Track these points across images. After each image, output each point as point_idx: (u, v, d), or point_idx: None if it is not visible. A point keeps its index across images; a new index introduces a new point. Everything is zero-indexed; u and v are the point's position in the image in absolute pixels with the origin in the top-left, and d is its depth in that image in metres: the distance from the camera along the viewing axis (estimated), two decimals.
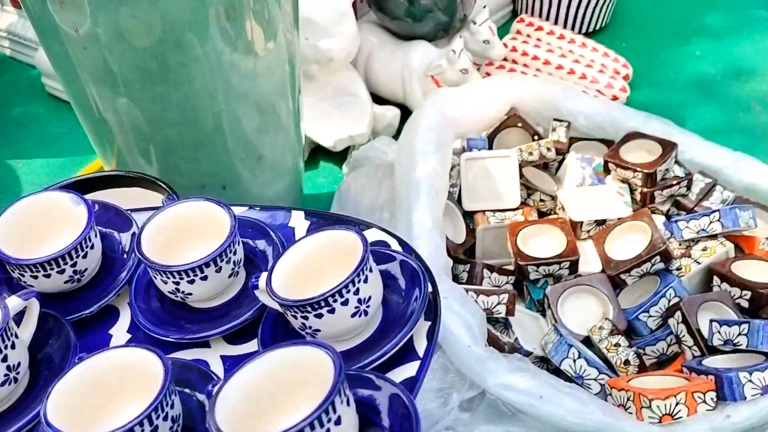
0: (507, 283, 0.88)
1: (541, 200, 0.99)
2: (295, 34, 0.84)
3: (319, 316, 0.44)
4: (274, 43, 0.78)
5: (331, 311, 0.44)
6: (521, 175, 0.99)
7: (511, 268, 0.89)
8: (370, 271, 0.46)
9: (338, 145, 1.13)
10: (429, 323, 0.48)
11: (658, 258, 0.82)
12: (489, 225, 0.93)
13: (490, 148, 1.05)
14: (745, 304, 0.81)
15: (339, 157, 1.18)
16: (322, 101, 1.16)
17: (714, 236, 0.88)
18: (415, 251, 0.53)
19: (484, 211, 0.94)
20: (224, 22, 0.70)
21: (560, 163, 1.06)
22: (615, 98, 1.26)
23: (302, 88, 1.15)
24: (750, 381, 0.67)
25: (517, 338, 0.79)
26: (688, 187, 1.00)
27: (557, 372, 0.75)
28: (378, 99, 1.25)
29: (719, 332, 0.73)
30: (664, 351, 0.81)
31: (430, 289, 0.49)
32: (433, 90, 1.17)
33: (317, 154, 1.20)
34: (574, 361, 0.74)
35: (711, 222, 0.86)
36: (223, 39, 0.71)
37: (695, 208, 0.99)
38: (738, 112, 1.27)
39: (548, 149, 1.00)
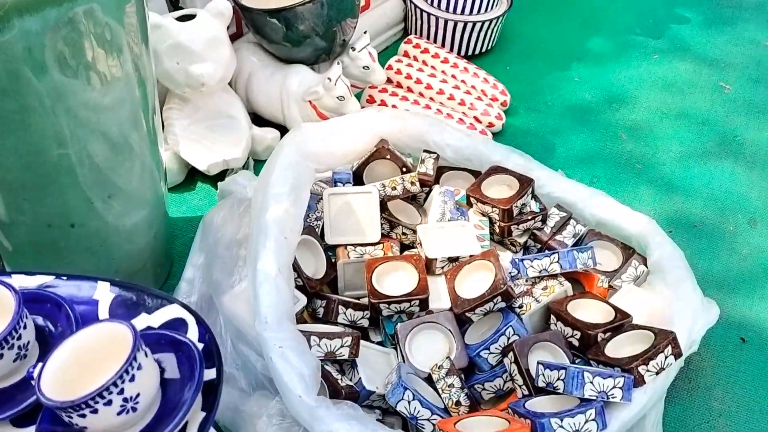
0: (363, 318, 0.91)
1: (404, 233, 1.02)
2: (146, 56, 0.81)
3: (83, 416, 0.45)
4: (121, 71, 0.75)
5: (94, 412, 0.45)
6: (385, 209, 1.02)
7: (367, 302, 0.92)
8: (139, 368, 0.46)
9: (212, 169, 1.13)
10: (204, 414, 0.50)
11: (499, 298, 0.87)
12: (349, 259, 0.95)
13: (360, 179, 1.08)
14: (576, 343, 0.86)
15: (219, 176, 1.18)
16: (198, 123, 1.16)
17: (554, 276, 0.93)
18: (209, 333, 0.54)
19: (345, 245, 0.97)
20: (63, 60, 0.68)
21: (428, 194, 1.09)
22: (491, 125, 1.30)
23: (177, 109, 1.15)
24: (561, 427, 0.72)
25: (360, 379, 0.82)
26: (544, 221, 1.06)
27: None
28: (260, 119, 1.26)
29: (543, 374, 0.78)
30: (501, 387, 0.86)
31: (213, 375, 0.51)
32: (311, 115, 1.19)
33: (195, 174, 1.20)
34: (409, 402, 0.78)
35: (551, 263, 0.92)
36: (63, 76, 0.70)
37: (549, 242, 1.05)
38: (606, 140, 1.34)
39: (412, 183, 1.03)
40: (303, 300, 0.89)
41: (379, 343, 0.93)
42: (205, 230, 0.96)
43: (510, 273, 0.94)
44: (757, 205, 1.22)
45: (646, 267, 1.00)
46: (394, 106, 1.29)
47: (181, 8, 1.20)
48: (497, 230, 1.05)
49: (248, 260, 0.81)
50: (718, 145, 1.34)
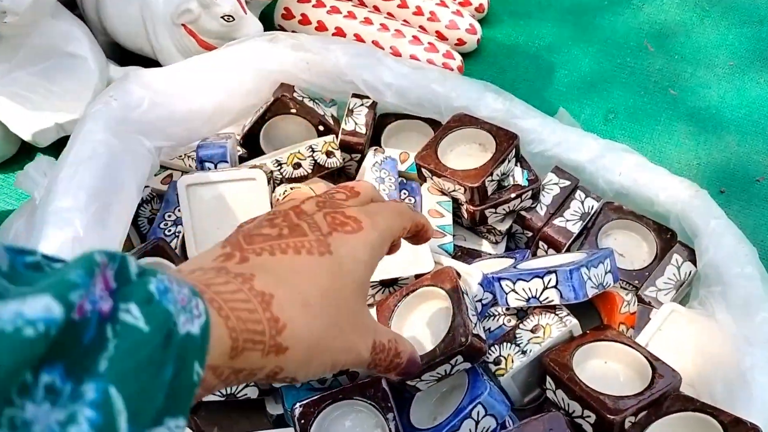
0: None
1: None
2: None
3: None
4: None
5: None
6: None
7: None
8: None
9: (39, 138, 0.76)
10: None
11: (460, 357, 0.52)
12: None
13: (258, 150, 0.71)
14: (589, 429, 0.52)
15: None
16: (21, 69, 0.78)
17: (551, 307, 0.58)
18: None
19: None
20: None
21: (360, 162, 0.73)
22: (460, 42, 0.91)
23: None
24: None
25: None
26: (535, 197, 0.70)
27: None
28: (127, 54, 0.87)
29: None
30: None
31: None
32: (189, 45, 0.80)
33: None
34: None
35: (545, 288, 0.56)
36: None
37: (545, 229, 0.69)
38: (625, 55, 0.95)
39: (329, 153, 0.66)
40: None
41: (278, 420, 0.59)
42: (4, 230, 0.61)
43: (481, 300, 0.59)
44: None
45: (695, 266, 0.65)
46: (320, 23, 0.89)
47: None
48: (465, 216, 0.69)
49: None
50: None
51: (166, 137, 0.59)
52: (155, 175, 0.70)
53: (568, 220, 0.69)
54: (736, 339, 0.54)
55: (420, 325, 0.55)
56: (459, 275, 0.55)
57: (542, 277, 0.56)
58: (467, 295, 0.54)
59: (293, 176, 0.64)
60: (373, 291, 0.59)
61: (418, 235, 0.45)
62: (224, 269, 0.33)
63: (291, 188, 0.48)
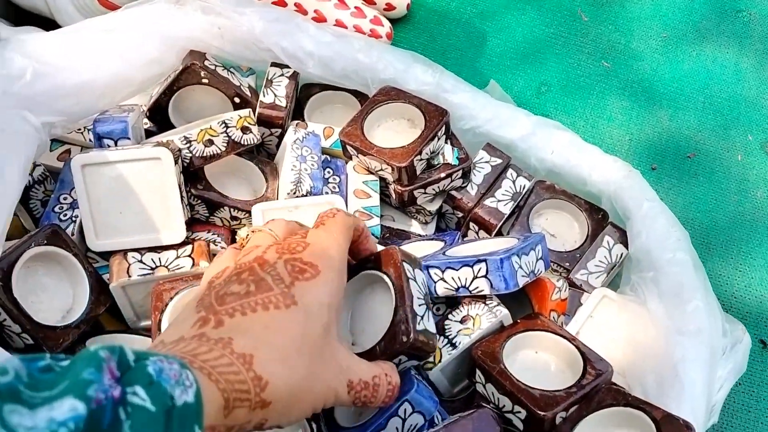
0: None
1: (234, 218, 0.61)
2: None
3: None
4: None
5: None
6: (200, 179, 0.60)
7: None
8: None
9: None
10: None
11: (404, 357, 0.48)
12: (130, 279, 0.55)
13: (167, 124, 0.64)
14: (519, 425, 0.50)
15: None
16: None
17: (481, 297, 0.55)
18: None
19: (124, 253, 0.56)
20: None
21: (281, 138, 0.67)
22: (390, 7, 0.86)
23: None
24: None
25: None
26: (466, 176, 0.66)
27: None
28: (20, 12, 0.78)
29: None
30: None
31: None
32: (89, 3, 0.72)
33: None
34: None
35: (475, 277, 0.53)
36: None
37: (476, 210, 0.66)
38: (559, 24, 0.91)
39: (245, 130, 0.61)
40: None
41: None
42: None
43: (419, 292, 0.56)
44: None
45: (626, 248, 0.63)
46: None
47: None
48: (393, 196, 0.65)
49: None
50: (716, 24, 0.93)
51: (55, 112, 0.52)
52: (50, 150, 0.63)
53: (499, 201, 0.66)
54: (668, 329, 0.52)
55: (365, 315, 0.51)
56: (407, 257, 0.50)
57: (472, 266, 0.52)
58: (414, 280, 0.49)
59: (204, 154, 0.59)
60: None
61: (357, 242, 0.48)
62: (204, 336, 0.36)
63: (252, 231, 0.45)
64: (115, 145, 0.57)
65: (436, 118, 0.64)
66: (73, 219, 0.56)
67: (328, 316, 0.40)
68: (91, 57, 0.54)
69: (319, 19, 0.81)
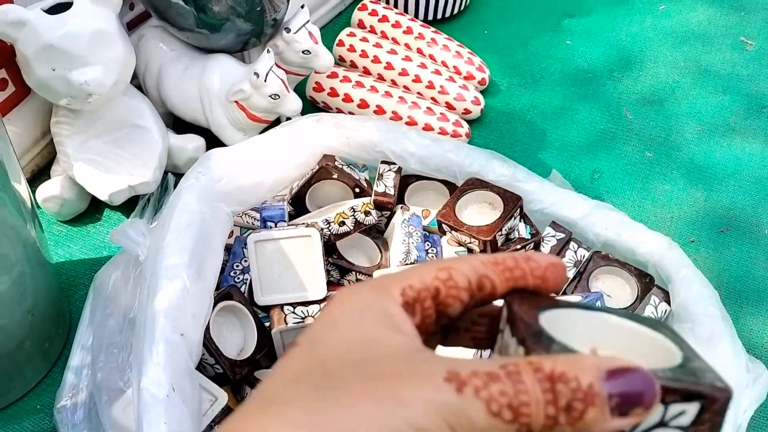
0: None
1: (358, 280, 0.80)
2: None
3: None
4: None
5: None
6: (333, 251, 0.79)
7: None
8: None
9: (115, 198, 0.89)
10: None
11: None
12: (287, 326, 0.73)
13: (303, 207, 0.84)
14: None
15: (134, 200, 0.94)
16: (96, 138, 0.92)
17: None
18: None
19: (281, 306, 0.75)
20: None
21: (390, 218, 0.86)
22: (467, 112, 1.06)
23: (66, 123, 0.91)
24: None
25: None
26: (537, 248, 0.84)
27: None
28: (183, 122, 1.01)
29: None
30: None
31: None
32: (240, 118, 0.94)
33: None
34: None
35: None
36: None
37: None
38: (608, 121, 1.10)
39: (366, 213, 0.80)
40: (222, 398, 0.67)
41: None
42: (96, 297, 0.73)
43: None
44: None
45: (669, 305, 0.79)
46: (347, 95, 1.04)
47: None
48: None
49: (132, 367, 0.59)
50: (743, 118, 1.10)
51: (238, 203, 0.72)
52: None
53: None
54: None
55: None
56: None
57: None
58: None
59: (339, 232, 0.78)
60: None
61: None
62: None
63: None
64: (275, 226, 0.77)
65: (512, 202, 0.82)
66: (245, 281, 0.75)
67: None
68: (262, 163, 0.75)
69: (411, 123, 1.02)
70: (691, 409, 0.24)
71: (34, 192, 0.92)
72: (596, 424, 0.22)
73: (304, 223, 0.77)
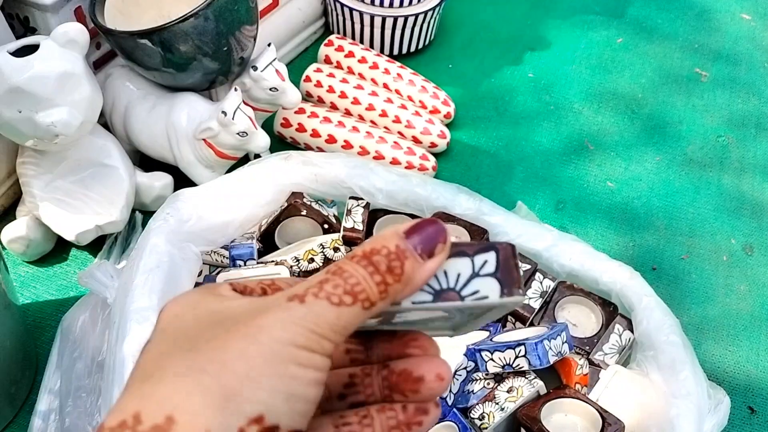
0: None
1: None
2: None
3: None
4: None
5: None
6: None
7: None
8: None
9: (81, 238, 0.89)
10: None
11: None
12: None
13: (272, 244, 0.85)
14: None
15: (100, 240, 0.94)
16: (62, 177, 0.91)
17: (522, 372, 0.72)
18: None
19: None
20: None
21: None
22: (433, 145, 1.08)
23: (32, 163, 0.91)
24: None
25: None
26: None
27: None
28: (150, 160, 1.01)
29: None
30: None
31: None
32: (208, 156, 0.95)
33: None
34: None
35: (516, 357, 0.71)
36: None
37: None
38: (570, 152, 1.13)
39: (335, 249, 0.81)
40: None
41: None
42: (63, 340, 0.73)
43: (465, 367, 0.74)
44: (751, 226, 1.03)
45: (632, 333, 0.81)
46: (314, 131, 1.05)
47: (34, 30, 0.94)
48: None
49: (101, 412, 0.58)
50: (699, 149, 1.14)
51: (207, 243, 0.72)
52: None
53: (530, 298, 0.85)
54: (665, 394, 0.69)
55: None
56: None
57: (514, 348, 0.71)
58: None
59: (308, 269, 0.78)
60: None
61: None
62: None
63: None
64: (245, 264, 0.77)
65: (478, 235, 0.83)
66: None
67: None
68: (231, 202, 0.75)
69: (379, 157, 1.03)
70: (491, 258, 0.31)
71: None
72: (416, 270, 0.28)
73: (273, 261, 0.78)
